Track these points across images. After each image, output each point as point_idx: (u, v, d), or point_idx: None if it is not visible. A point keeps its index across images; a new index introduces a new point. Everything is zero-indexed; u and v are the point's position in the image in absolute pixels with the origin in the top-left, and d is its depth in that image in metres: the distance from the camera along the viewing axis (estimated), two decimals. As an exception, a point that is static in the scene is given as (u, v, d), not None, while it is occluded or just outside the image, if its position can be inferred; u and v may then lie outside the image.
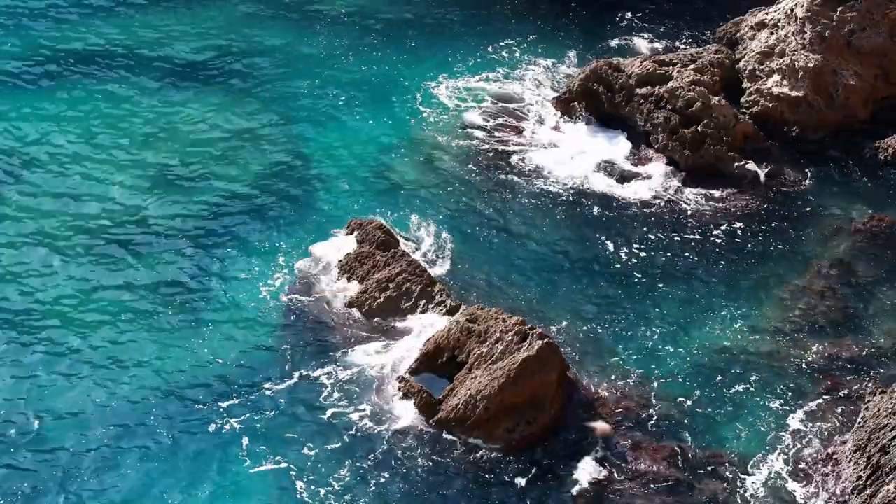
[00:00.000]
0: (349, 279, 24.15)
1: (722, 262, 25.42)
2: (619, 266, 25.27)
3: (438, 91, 30.65)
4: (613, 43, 32.46)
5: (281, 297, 24.18)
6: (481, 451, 21.17)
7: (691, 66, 28.99)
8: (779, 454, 21.13)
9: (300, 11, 34.06)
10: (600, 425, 21.41)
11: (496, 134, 29.07)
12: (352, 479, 20.76)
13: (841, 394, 22.25)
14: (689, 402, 22.16)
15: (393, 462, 21.02)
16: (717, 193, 27.12)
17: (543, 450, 21.23)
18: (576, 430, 21.54)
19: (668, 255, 25.57)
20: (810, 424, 21.67)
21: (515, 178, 27.67)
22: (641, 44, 32.30)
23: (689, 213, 26.67)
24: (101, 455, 20.97)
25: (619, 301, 24.43)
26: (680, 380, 22.61)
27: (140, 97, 30.32)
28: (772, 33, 29.55)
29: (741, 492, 20.54)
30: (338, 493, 20.54)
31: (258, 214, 26.55)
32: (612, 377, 22.59)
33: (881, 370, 22.69)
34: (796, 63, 28.60)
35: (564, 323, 23.77)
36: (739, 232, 26.15)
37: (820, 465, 20.92)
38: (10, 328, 23.44)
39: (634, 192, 27.35)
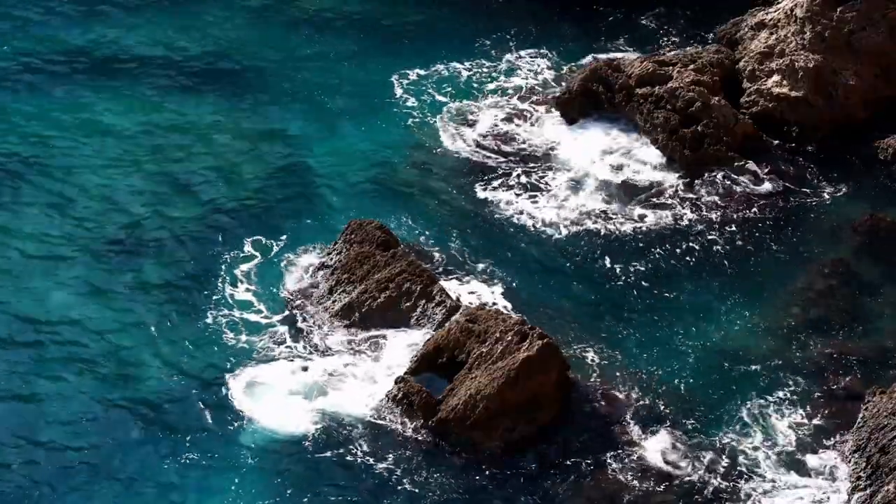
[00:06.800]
0: (349, 280, 24.13)
1: (721, 262, 25.40)
2: (618, 266, 25.25)
3: (437, 92, 30.60)
4: (613, 42, 32.41)
5: (280, 300, 24.19)
6: (481, 451, 21.17)
7: (691, 66, 28.95)
8: (779, 454, 21.14)
9: (299, 15, 34.02)
10: None
11: (495, 135, 29.04)
12: (350, 479, 20.79)
13: (841, 394, 22.24)
14: (689, 402, 22.17)
15: (391, 463, 21.01)
16: (716, 193, 27.08)
17: (543, 449, 21.24)
18: (575, 430, 21.55)
19: (668, 254, 25.55)
20: (810, 424, 21.66)
21: (514, 180, 27.63)
22: (641, 44, 32.26)
23: (689, 213, 26.64)
24: (91, 461, 21.09)
25: (618, 301, 24.43)
26: (680, 379, 22.61)
27: (138, 101, 30.31)
28: (771, 33, 29.52)
29: (741, 490, 20.54)
30: (336, 492, 20.56)
31: (256, 218, 26.55)
32: (612, 377, 22.58)
33: (881, 370, 22.67)
34: (796, 63, 28.58)
35: (564, 323, 23.76)
36: (739, 232, 26.13)
37: (820, 465, 20.91)
38: (7, 330, 23.49)
39: (634, 192, 27.32)
